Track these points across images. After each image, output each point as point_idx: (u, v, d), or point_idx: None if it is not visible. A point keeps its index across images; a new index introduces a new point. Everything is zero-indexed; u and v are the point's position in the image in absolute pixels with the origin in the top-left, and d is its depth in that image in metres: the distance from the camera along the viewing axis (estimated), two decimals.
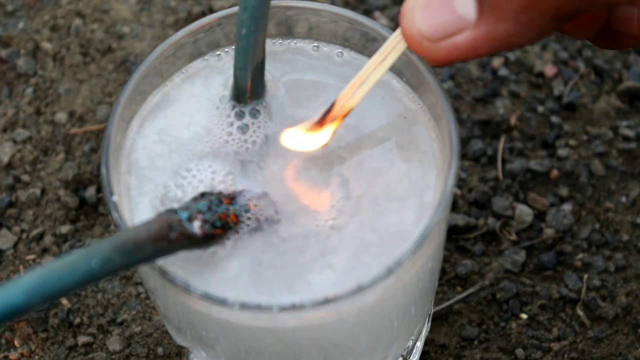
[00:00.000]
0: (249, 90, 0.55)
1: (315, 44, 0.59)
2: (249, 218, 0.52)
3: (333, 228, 0.52)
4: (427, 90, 0.55)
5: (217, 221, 0.51)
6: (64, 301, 0.72)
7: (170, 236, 0.49)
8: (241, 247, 0.52)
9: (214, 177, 0.54)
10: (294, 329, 0.52)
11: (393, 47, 0.52)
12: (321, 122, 0.53)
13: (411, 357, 0.65)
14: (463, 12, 0.48)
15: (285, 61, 0.58)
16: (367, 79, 0.53)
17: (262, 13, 0.53)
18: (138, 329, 0.71)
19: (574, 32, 0.54)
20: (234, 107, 0.56)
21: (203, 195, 0.52)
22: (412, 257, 0.49)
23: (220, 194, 0.53)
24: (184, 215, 0.50)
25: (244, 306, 0.48)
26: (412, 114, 0.56)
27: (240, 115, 0.56)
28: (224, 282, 0.51)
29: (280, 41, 0.59)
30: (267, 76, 0.56)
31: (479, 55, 0.49)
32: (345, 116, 0.53)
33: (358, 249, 0.52)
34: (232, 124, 0.56)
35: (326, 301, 0.48)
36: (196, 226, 0.50)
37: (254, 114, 0.56)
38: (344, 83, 0.57)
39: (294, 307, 0.48)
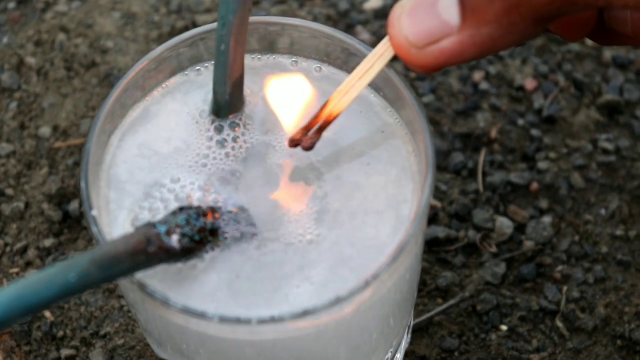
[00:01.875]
0: (227, 104, 0.56)
1: (294, 59, 0.59)
2: (227, 232, 0.53)
3: (311, 242, 0.53)
4: (404, 104, 0.56)
5: (196, 235, 0.51)
6: (47, 314, 0.72)
7: (149, 250, 0.49)
8: (220, 261, 0.52)
9: (193, 191, 0.54)
10: (273, 341, 0.52)
11: (380, 54, 0.53)
12: (307, 127, 0.54)
13: None
14: (447, 17, 0.48)
15: (264, 76, 0.58)
16: (354, 86, 0.53)
17: (240, 29, 0.53)
18: (121, 341, 0.71)
19: (565, 34, 0.55)
20: (213, 122, 0.57)
21: (182, 209, 0.52)
22: (389, 269, 0.50)
23: (198, 207, 0.53)
24: (162, 229, 0.50)
25: (223, 319, 0.49)
26: (389, 128, 0.57)
27: (219, 130, 0.57)
28: (203, 295, 0.51)
29: (259, 56, 0.59)
30: (246, 91, 0.57)
31: (466, 59, 0.49)
32: (330, 122, 0.54)
33: (336, 262, 0.52)
34: (211, 138, 0.56)
35: (304, 313, 0.48)
36: (174, 240, 0.50)
37: (233, 127, 0.57)
38: (323, 97, 0.57)
39: (272, 320, 0.49)
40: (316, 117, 0.54)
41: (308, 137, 0.54)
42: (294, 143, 0.54)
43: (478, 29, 0.48)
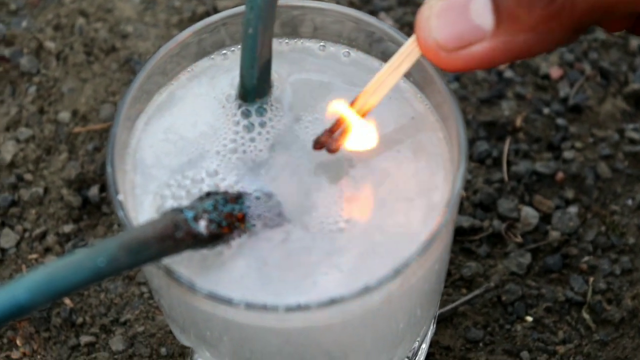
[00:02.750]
0: (255, 89, 0.55)
1: (322, 44, 0.58)
2: (255, 218, 0.52)
3: (340, 229, 0.52)
4: (435, 90, 0.55)
5: (223, 221, 0.51)
6: (67, 301, 0.71)
7: (176, 235, 0.49)
8: (247, 247, 0.51)
9: (220, 176, 0.54)
10: (300, 329, 0.51)
11: (408, 54, 0.52)
12: (332, 129, 0.53)
13: (416, 359, 0.64)
14: (480, 22, 0.47)
15: (292, 61, 0.58)
16: (380, 87, 0.52)
17: (268, 12, 0.53)
18: (141, 328, 0.71)
19: (607, 27, 0.53)
20: (240, 106, 0.56)
21: (209, 194, 0.52)
22: (419, 258, 0.49)
23: (226, 193, 0.52)
24: (189, 214, 0.50)
25: (250, 306, 0.48)
26: (420, 115, 0.56)
27: (246, 114, 0.56)
28: (230, 282, 0.51)
29: (286, 40, 0.58)
30: (274, 75, 0.56)
31: (497, 64, 0.48)
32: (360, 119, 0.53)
33: (365, 249, 0.51)
34: (238, 123, 0.55)
35: (332, 302, 0.48)
36: (202, 225, 0.50)
37: (261, 112, 0.56)
38: (351, 83, 0.57)
39: (299, 308, 0.48)
40: (341, 119, 0.53)
41: (334, 139, 0.53)
42: (319, 146, 0.53)
43: (513, 36, 0.47)
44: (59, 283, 0.44)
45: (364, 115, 0.53)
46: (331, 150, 0.53)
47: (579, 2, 0.45)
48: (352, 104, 0.53)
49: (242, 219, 0.52)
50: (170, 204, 0.53)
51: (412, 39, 0.51)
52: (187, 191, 0.53)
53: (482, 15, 0.47)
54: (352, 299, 0.48)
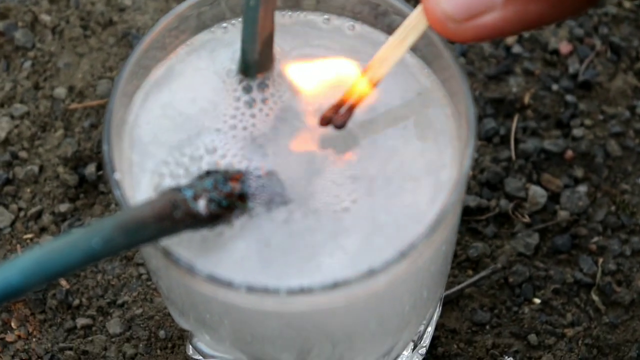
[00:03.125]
0: (257, 64, 0.53)
1: (326, 17, 0.56)
2: (256, 197, 0.51)
3: (345, 209, 0.50)
4: (442, 65, 0.53)
5: (223, 200, 0.49)
6: (63, 282, 0.70)
7: (175, 215, 0.47)
8: (248, 228, 0.50)
9: (219, 153, 0.52)
10: (302, 313, 0.50)
11: (413, 26, 0.50)
12: (338, 104, 0.52)
13: (422, 343, 0.63)
14: None
15: (295, 34, 0.56)
16: (385, 61, 0.51)
17: None
18: (139, 311, 0.69)
19: None
20: (241, 81, 0.54)
21: (208, 173, 0.50)
22: (427, 240, 0.48)
23: (226, 172, 0.51)
24: (188, 193, 0.48)
25: (251, 289, 0.47)
26: (426, 91, 0.54)
27: (247, 90, 0.54)
28: (230, 263, 0.49)
29: (289, 13, 0.57)
30: (276, 49, 0.54)
31: (507, 34, 0.47)
32: (361, 100, 0.51)
33: (371, 230, 0.50)
34: (239, 99, 0.54)
35: (336, 285, 0.46)
36: (201, 205, 0.48)
37: (262, 88, 0.54)
38: (356, 57, 0.55)
39: (302, 291, 0.46)
40: (347, 94, 0.51)
41: (340, 114, 0.52)
42: (325, 121, 0.52)
43: (525, 6, 0.45)
44: (52, 265, 0.43)
45: (372, 87, 0.51)
46: (338, 126, 0.52)
47: None
48: (359, 76, 0.51)
49: (243, 198, 0.50)
50: (168, 182, 0.51)
51: (417, 10, 0.50)
52: (185, 169, 0.52)
53: None
54: (357, 282, 0.47)
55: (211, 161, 0.52)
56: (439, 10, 0.47)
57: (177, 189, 0.48)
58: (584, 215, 0.73)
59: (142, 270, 0.71)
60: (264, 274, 0.49)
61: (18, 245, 0.72)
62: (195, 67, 0.55)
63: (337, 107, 0.52)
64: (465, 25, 0.47)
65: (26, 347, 0.68)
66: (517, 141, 0.76)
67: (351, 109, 0.51)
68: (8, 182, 0.74)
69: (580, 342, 0.68)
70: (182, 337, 0.68)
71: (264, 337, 0.53)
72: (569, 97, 0.77)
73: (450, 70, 0.52)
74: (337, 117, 0.51)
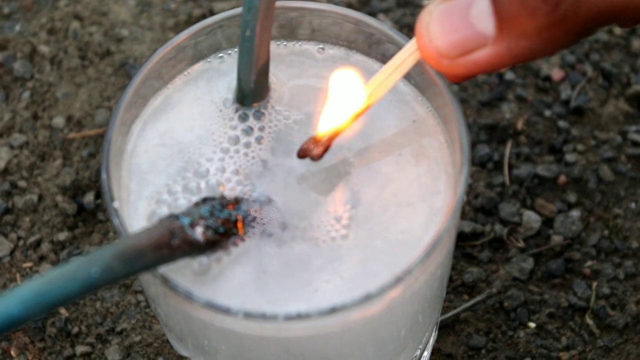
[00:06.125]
0: (253, 92, 0.54)
1: (320, 46, 0.57)
2: (253, 224, 0.51)
3: (341, 235, 0.51)
4: (436, 93, 0.54)
5: (220, 227, 0.50)
6: (62, 310, 0.70)
7: (172, 243, 0.47)
8: (246, 254, 0.50)
9: (216, 181, 0.52)
10: (300, 338, 0.50)
11: (407, 58, 0.51)
12: (317, 138, 0.52)
13: None
14: (481, 28, 0.46)
15: (290, 63, 0.57)
16: (379, 86, 0.51)
17: (266, 14, 0.52)
18: (138, 338, 0.69)
19: (619, 23, 0.52)
20: (237, 110, 0.55)
21: (205, 200, 0.51)
22: (422, 265, 0.48)
23: (222, 198, 0.51)
24: (185, 221, 0.48)
25: (248, 315, 0.47)
26: (421, 118, 0.55)
27: (244, 118, 0.55)
28: (228, 290, 0.50)
29: (284, 43, 0.57)
30: (272, 78, 0.55)
31: (499, 68, 0.47)
32: (338, 134, 0.52)
33: (367, 256, 0.50)
34: (235, 127, 0.54)
35: (333, 310, 0.47)
36: (198, 232, 0.49)
37: (259, 116, 0.55)
38: (350, 85, 0.55)
39: (299, 317, 0.47)
40: (324, 127, 0.52)
41: (317, 145, 0.52)
42: (302, 153, 0.52)
43: (516, 42, 0.46)
44: (52, 294, 0.43)
45: (357, 116, 0.51)
46: (314, 159, 0.52)
47: (583, 9, 0.44)
48: (347, 106, 0.52)
49: (240, 225, 0.51)
50: (166, 210, 0.52)
51: (410, 45, 0.50)
52: (183, 196, 0.52)
53: (484, 21, 0.46)
54: (354, 307, 0.47)
55: (208, 188, 0.52)
56: (431, 47, 0.48)
57: (175, 217, 0.49)
58: (578, 239, 0.73)
59: (140, 297, 0.71)
60: (261, 300, 0.49)
61: (17, 274, 0.72)
62: (192, 96, 0.56)
63: (316, 139, 0.52)
64: (458, 61, 0.47)
65: None
66: (510, 167, 0.76)
67: (328, 141, 0.52)
68: (7, 211, 0.75)
69: None
70: None
71: None
72: (562, 123, 0.78)
73: (443, 98, 0.53)
74: (313, 148, 0.52)
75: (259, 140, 0.54)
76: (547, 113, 0.79)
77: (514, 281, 0.71)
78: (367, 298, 0.47)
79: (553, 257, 0.72)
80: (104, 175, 0.50)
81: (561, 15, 0.44)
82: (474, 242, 0.73)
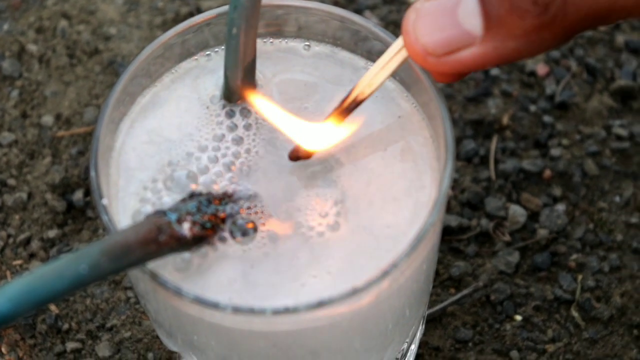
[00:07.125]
0: (239, 90, 0.54)
1: (306, 43, 0.58)
2: (240, 219, 0.51)
3: (328, 230, 0.51)
4: (421, 89, 0.54)
5: (207, 222, 0.50)
6: (52, 307, 0.71)
7: (160, 239, 0.48)
8: (233, 250, 0.51)
9: (204, 177, 0.53)
10: (288, 332, 0.51)
11: (395, 53, 0.51)
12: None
13: None
14: (469, 27, 0.46)
15: (276, 60, 0.57)
16: (368, 85, 0.52)
17: (252, 11, 0.52)
18: (128, 334, 0.70)
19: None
20: (224, 107, 0.55)
21: (192, 195, 0.51)
22: (407, 258, 0.49)
23: (209, 194, 0.52)
24: (173, 217, 0.49)
25: (237, 310, 0.47)
26: (406, 114, 0.55)
27: (230, 115, 0.55)
28: (216, 285, 0.50)
29: (271, 40, 0.58)
30: (259, 75, 0.56)
31: (486, 68, 0.48)
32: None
33: (353, 250, 0.51)
34: (222, 124, 0.55)
35: (320, 304, 0.47)
36: (186, 228, 0.49)
37: (245, 113, 0.55)
38: (336, 83, 0.56)
39: (287, 311, 0.47)
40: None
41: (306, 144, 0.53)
42: (294, 155, 0.53)
43: (503, 42, 0.46)
44: (40, 291, 0.44)
45: (346, 116, 0.52)
46: (306, 157, 0.53)
47: (571, 11, 0.45)
48: (339, 106, 0.52)
49: (227, 220, 0.51)
50: (153, 206, 0.52)
51: (396, 45, 0.51)
52: (171, 193, 0.52)
53: (471, 20, 0.46)
54: (341, 301, 0.47)
55: (196, 184, 0.53)
56: (418, 45, 0.48)
57: (162, 213, 0.49)
58: (563, 233, 0.74)
59: (130, 294, 0.71)
60: (249, 294, 0.50)
61: (8, 272, 0.73)
62: (180, 94, 0.56)
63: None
64: (444, 60, 0.47)
65: None
66: (496, 161, 0.77)
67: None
68: None
69: (561, 357, 0.69)
70: (171, 359, 0.69)
71: (251, 357, 0.54)
72: (547, 118, 0.79)
73: (428, 94, 0.53)
74: (304, 150, 0.53)
75: (245, 136, 0.55)
76: (532, 108, 0.79)
77: (500, 275, 0.72)
78: (354, 292, 0.47)
79: (539, 251, 0.73)
80: (92, 173, 0.51)
81: (550, 17, 0.45)
82: (460, 236, 0.74)
